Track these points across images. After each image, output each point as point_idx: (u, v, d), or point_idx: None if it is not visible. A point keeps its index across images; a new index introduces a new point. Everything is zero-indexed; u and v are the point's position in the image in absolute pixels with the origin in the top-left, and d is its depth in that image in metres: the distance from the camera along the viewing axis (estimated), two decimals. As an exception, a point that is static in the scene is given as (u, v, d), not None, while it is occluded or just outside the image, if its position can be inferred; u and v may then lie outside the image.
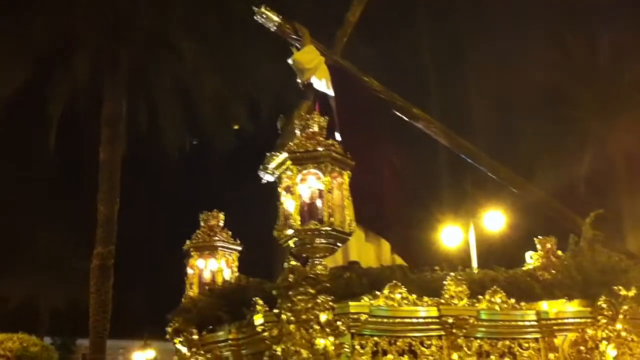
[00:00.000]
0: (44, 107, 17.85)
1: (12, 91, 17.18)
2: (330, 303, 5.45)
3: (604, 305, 5.96)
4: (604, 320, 5.97)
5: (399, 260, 7.15)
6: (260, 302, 5.74)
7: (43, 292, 28.16)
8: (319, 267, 5.76)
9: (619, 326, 5.96)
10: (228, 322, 6.20)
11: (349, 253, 7.00)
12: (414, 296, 5.75)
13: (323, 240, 5.76)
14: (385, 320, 5.65)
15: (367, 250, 7.14)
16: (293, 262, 5.43)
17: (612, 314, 5.96)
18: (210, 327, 6.43)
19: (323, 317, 5.42)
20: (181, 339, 6.56)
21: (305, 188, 5.88)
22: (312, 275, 5.46)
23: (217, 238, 7.61)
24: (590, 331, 5.97)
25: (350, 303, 5.48)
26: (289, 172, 5.86)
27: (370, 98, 7.80)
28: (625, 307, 5.99)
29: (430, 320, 5.74)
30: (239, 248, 7.70)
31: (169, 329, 6.58)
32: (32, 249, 26.77)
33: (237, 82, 18.30)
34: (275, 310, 5.55)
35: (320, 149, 5.81)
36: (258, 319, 5.67)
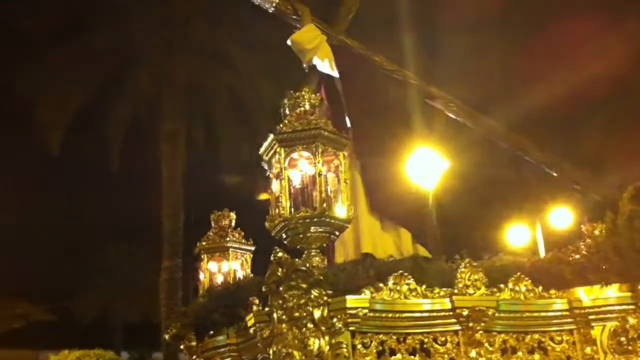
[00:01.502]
0: (106, 127, 17.97)
1: (74, 112, 17.29)
2: (325, 298, 4.82)
3: (646, 289, 5.17)
4: (648, 307, 5.17)
5: (422, 251, 6.51)
6: (257, 301, 5.17)
7: (116, 307, 28.36)
8: (315, 258, 5.20)
9: (666, 312, 5.15)
10: (226, 325, 5.65)
11: (361, 244, 6.39)
12: (423, 287, 5.07)
13: (319, 229, 5.20)
14: (390, 315, 4.99)
15: (384, 241, 6.52)
16: (280, 254, 4.82)
17: (657, 298, 5.16)
18: (211, 332, 5.88)
19: (317, 313, 4.80)
20: (182, 347, 6.04)
21: (296, 172, 5.33)
22: (303, 268, 4.84)
23: (228, 239, 7.13)
24: (632, 319, 5.20)
25: (347, 297, 4.84)
26: (277, 156, 5.31)
27: (382, 79, 7.18)
28: (673, 290, 5.18)
29: (443, 313, 5.05)
30: (252, 248, 7.19)
31: (167, 336, 6.07)
32: (101, 265, 27.04)
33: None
34: (267, 309, 4.95)
35: (309, 128, 5.24)
36: (250, 320, 5.10)
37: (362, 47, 7.26)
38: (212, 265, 7.17)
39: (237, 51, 17.62)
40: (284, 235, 5.26)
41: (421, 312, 5.01)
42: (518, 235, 17.42)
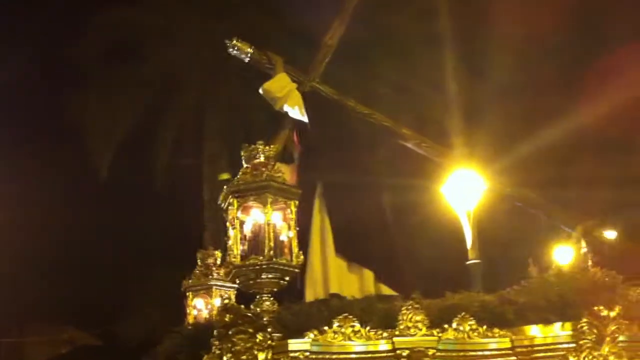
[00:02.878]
0: (152, 149, 18.43)
1: (123, 136, 17.86)
2: (270, 341, 5.15)
3: (585, 328, 5.35)
4: (588, 345, 5.35)
5: (386, 290, 6.77)
6: (217, 343, 5.52)
7: (162, 331, 28.61)
8: (266, 303, 5.53)
9: (606, 350, 5.32)
10: (190, 367, 5.99)
11: (329, 285, 6.69)
12: (367, 329, 5.35)
13: (269, 275, 5.52)
14: (333, 357, 5.28)
15: (349, 281, 6.79)
16: (227, 301, 5.20)
17: (596, 337, 5.33)
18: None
19: (261, 356, 5.13)
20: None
21: (250, 221, 5.68)
22: (249, 314, 5.20)
23: (212, 277, 7.50)
24: (572, 358, 5.37)
25: (289, 340, 5.17)
26: (231, 206, 5.68)
27: (354, 124, 7.50)
28: (613, 328, 5.35)
29: (383, 354, 5.32)
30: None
31: (141, 375, 6.46)
32: (147, 288, 27.50)
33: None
34: (218, 352, 5.30)
35: (259, 179, 5.60)
36: (204, 363, 5.45)
37: (335, 92, 7.58)
38: (199, 303, 7.55)
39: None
40: (237, 281, 5.60)
41: (359, 353, 5.28)
42: (565, 254, 17.35)
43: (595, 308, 5.36)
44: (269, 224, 5.54)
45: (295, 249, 5.64)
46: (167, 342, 6.55)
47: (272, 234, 5.53)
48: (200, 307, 7.53)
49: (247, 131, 18.57)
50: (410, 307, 5.43)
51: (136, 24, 16.98)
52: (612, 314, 5.34)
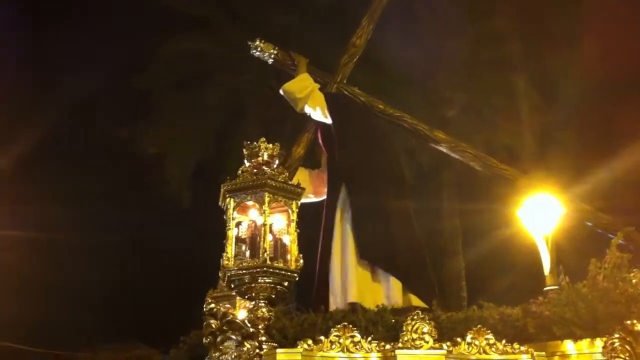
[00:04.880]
0: (220, 176, 18.46)
1: (195, 165, 17.99)
2: (257, 350, 4.74)
3: (617, 345, 4.68)
4: (620, 363, 4.68)
5: (415, 301, 6.23)
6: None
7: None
8: (262, 309, 5.12)
9: (641, 369, 4.64)
10: (193, 378, 5.66)
11: (349, 294, 6.22)
12: (366, 340, 4.87)
13: (266, 279, 5.12)
14: (326, 368, 4.81)
15: (374, 290, 6.26)
16: (212, 305, 4.82)
17: (630, 354, 4.66)
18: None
19: (249, 367, 4.72)
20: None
21: (247, 222, 5.31)
22: (236, 320, 4.80)
23: (235, 287, 7.14)
24: (601, 376, 4.72)
25: (279, 350, 4.74)
26: (228, 206, 5.33)
27: (380, 127, 7.05)
28: (650, 345, 4.67)
29: (380, 367, 4.82)
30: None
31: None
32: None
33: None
34: (209, 360, 4.92)
35: (256, 177, 5.22)
36: (195, 373, 5.10)
37: (362, 94, 7.16)
38: (222, 314, 7.18)
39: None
40: (232, 285, 5.23)
41: (354, 366, 4.79)
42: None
43: (628, 322, 4.69)
44: (265, 225, 5.13)
45: (295, 253, 5.21)
46: (173, 351, 6.26)
47: (268, 236, 5.12)
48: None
49: (312, 156, 18.42)
50: (416, 316, 4.90)
51: (203, 54, 17.08)
52: (648, 328, 4.66)
